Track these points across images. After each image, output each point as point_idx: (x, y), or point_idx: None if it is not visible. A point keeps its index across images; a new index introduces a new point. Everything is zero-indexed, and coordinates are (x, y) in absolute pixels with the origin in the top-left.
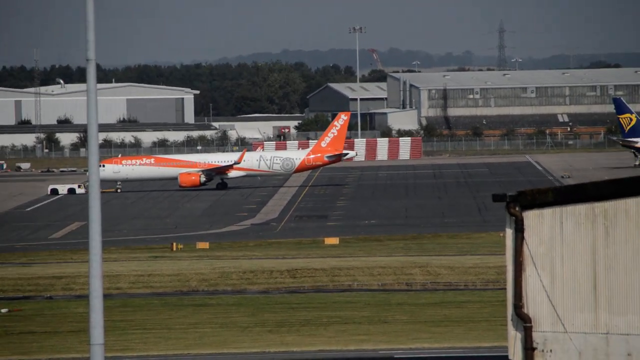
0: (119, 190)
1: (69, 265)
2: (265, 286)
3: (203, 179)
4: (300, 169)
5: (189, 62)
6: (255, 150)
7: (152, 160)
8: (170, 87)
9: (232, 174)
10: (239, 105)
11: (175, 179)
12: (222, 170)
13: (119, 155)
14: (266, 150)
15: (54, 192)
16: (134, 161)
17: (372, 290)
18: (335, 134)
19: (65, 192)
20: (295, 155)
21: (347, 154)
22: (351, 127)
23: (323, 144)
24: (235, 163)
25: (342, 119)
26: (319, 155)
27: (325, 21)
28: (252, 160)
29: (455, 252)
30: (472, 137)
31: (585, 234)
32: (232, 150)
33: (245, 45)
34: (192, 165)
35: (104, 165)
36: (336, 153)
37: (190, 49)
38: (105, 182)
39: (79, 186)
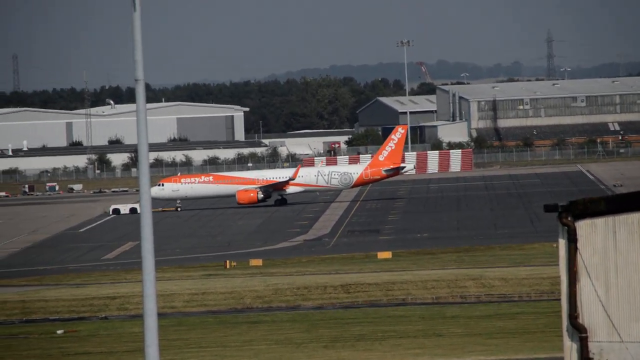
0: (179, 209)
1: (122, 285)
2: (319, 302)
3: (260, 195)
4: (358, 184)
5: (238, 79)
6: (320, 164)
7: (211, 178)
8: (220, 105)
9: (290, 189)
10: (289, 122)
11: (233, 196)
12: (279, 186)
13: (178, 174)
14: (326, 165)
15: (116, 211)
16: (192, 179)
17: (426, 303)
18: (393, 148)
19: (127, 211)
20: (353, 169)
21: (404, 167)
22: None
23: (381, 158)
24: (290, 179)
25: (400, 132)
26: (377, 169)
27: (373, 35)
28: (310, 176)
29: (509, 264)
30: (523, 147)
31: (639, 243)
32: (283, 167)
33: (294, 61)
34: (250, 182)
35: (163, 185)
36: (394, 167)
37: (239, 67)
38: (165, 201)
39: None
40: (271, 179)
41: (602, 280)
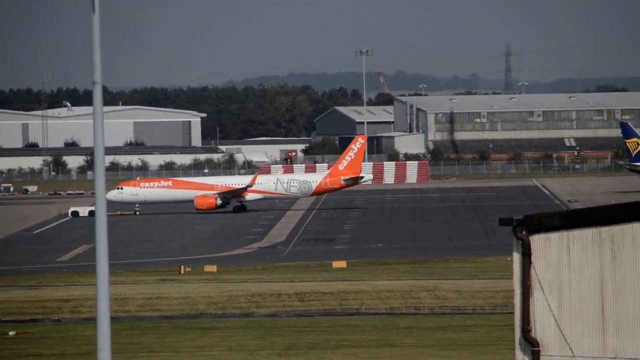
0: (137, 213)
1: (76, 288)
2: (273, 309)
3: (219, 201)
4: (317, 192)
5: (196, 85)
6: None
7: (170, 182)
8: (177, 110)
9: (249, 196)
10: (246, 129)
11: (192, 201)
12: (238, 193)
13: (138, 178)
14: (285, 173)
15: (75, 214)
16: (152, 184)
17: (379, 313)
18: (353, 157)
19: (86, 214)
20: (312, 178)
21: (363, 177)
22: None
23: (340, 167)
24: (248, 186)
25: (360, 142)
26: (336, 178)
27: (332, 44)
28: (269, 183)
29: (463, 276)
30: (479, 160)
31: (592, 259)
32: (239, 174)
33: (252, 68)
34: (209, 187)
35: (122, 188)
36: (353, 176)
37: (197, 72)
38: (123, 205)
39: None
40: (230, 185)
41: (556, 294)
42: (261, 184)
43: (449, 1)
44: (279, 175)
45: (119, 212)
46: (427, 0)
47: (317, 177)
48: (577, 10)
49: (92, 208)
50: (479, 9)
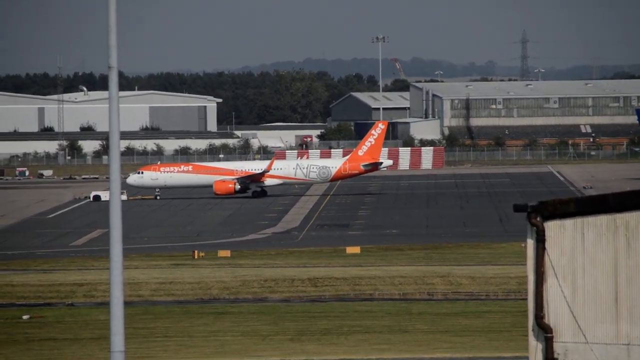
0: (157, 197)
1: (90, 273)
2: (287, 295)
3: (238, 187)
4: (336, 177)
5: (212, 70)
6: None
7: (190, 167)
8: (193, 95)
9: (269, 182)
10: (262, 114)
11: (212, 186)
12: (256, 178)
13: (158, 163)
14: (307, 158)
15: (97, 198)
16: (172, 168)
17: (393, 299)
18: (373, 143)
19: (108, 198)
20: (332, 163)
21: (382, 162)
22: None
23: (360, 153)
24: (265, 171)
25: (380, 127)
26: (356, 163)
27: (348, 30)
28: (289, 169)
29: (477, 262)
30: (495, 147)
31: (606, 245)
32: (255, 159)
33: (268, 53)
34: (229, 173)
35: (142, 173)
36: (373, 162)
37: (213, 57)
38: (143, 189)
39: (122, 193)
40: (249, 171)
41: (569, 281)
42: (281, 169)
43: None
44: (298, 160)
45: (139, 197)
46: None
47: (337, 163)
48: None
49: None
50: None
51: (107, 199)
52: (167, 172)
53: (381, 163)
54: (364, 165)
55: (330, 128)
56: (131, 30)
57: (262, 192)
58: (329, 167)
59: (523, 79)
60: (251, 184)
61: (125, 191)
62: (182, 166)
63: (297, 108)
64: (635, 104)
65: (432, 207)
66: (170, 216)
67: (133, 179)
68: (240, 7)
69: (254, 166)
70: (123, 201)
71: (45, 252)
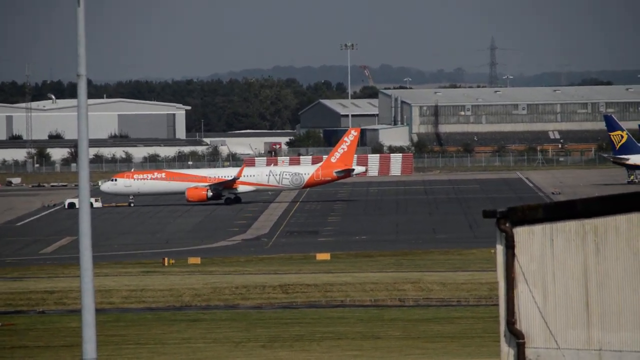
0: (131, 205)
1: (60, 280)
2: (258, 301)
3: (210, 194)
4: (309, 184)
5: (180, 78)
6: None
7: (164, 174)
8: (162, 103)
9: (241, 188)
10: (230, 121)
11: (185, 193)
12: (228, 184)
13: (132, 170)
14: (277, 165)
15: (72, 206)
16: (145, 175)
17: (364, 305)
18: (345, 150)
19: None
20: (304, 170)
21: (354, 169)
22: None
23: (333, 159)
24: (236, 178)
25: (352, 134)
26: (329, 170)
27: (317, 38)
28: (262, 175)
29: (447, 268)
30: (463, 153)
31: (575, 251)
32: (223, 166)
33: (237, 61)
34: (202, 179)
35: (115, 180)
36: (345, 168)
37: (181, 65)
38: (117, 197)
39: (96, 200)
40: (223, 178)
41: (540, 286)
42: (253, 176)
43: None
44: (271, 167)
45: (114, 204)
46: None
47: (310, 170)
48: (561, 5)
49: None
50: (464, 2)
51: (97, 204)
52: (140, 179)
53: (353, 170)
54: (336, 172)
55: (299, 135)
56: (100, 38)
57: (236, 199)
58: (301, 174)
59: (492, 86)
60: (223, 191)
61: (99, 198)
62: (156, 173)
63: (265, 115)
64: (603, 110)
65: (402, 213)
66: (140, 223)
67: (107, 186)
68: (208, 15)
69: (227, 173)
70: (97, 208)
71: (15, 259)
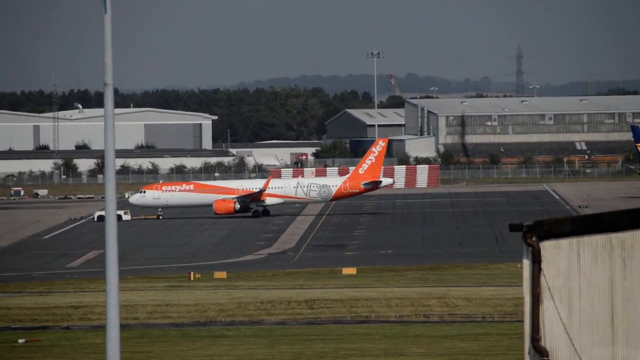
0: (160, 217)
1: (86, 295)
2: (283, 317)
3: (237, 206)
4: (337, 196)
5: (207, 87)
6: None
7: (192, 186)
8: (188, 113)
9: (269, 200)
10: (257, 131)
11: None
12: (255, 197)
13: (160, 181)
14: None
15: (101, 218)
16: (173, 187)
17: (389, 322)
18: (373, 161)
19: None
20: (332, 182)
21: (381, 181)
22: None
23: (360, 171)
24: (262, 190)
25: (380, 145)
26: (356, 182)
27: (343, 47)
28: (290, 187)
29: (473, 283)
30: (490, 164)
31: (602, 266)
32: (249, 178)
33: (263, 70)
34: (230, 192)
35: (144, 192)
36: (373, 180)
37: (208, 74)
38: (146, 209)
39: (125, 213)
40: (251, 190)
41: (566, 302)
42: (281, 187)
43: (460, 4)
44: (299, 179)
45: (143, 216)
46: (439, 2)
47: (337, 182)
48: (588, 13)
49: (118, 212)
50: (490, 11)
51: (127, 217)
52: (169, 191)
53: (381, 182)
54: (364, 184)
55: (326, 146)
56: (126, 47)
57: (265, 212)
58: (329, 186)
59: (518, 95)
60: (251, 203)
61: (128, 211)
62: (184, 185)
63: (292, 125)
64: (630, 120)
65: (428, 226)
66: (166, 236)
67: (135, 198)
68: (235, 23)
69: (255, 185)
70: (126, 221)
71: (42, 274)
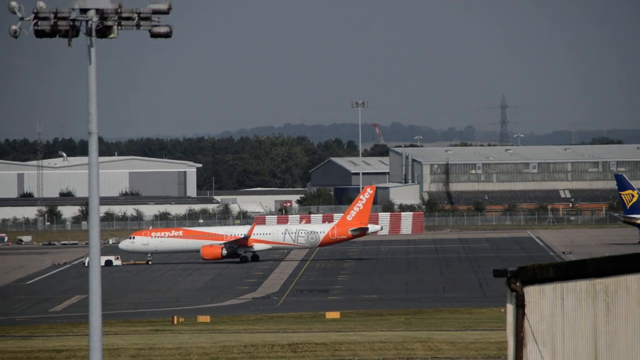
0: (149, 262)
1: (69, 339)
2: None
3: (225, 251)
4: (325, 243)
5: (192, 135)
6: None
7: (181, 232)
8: (173, 161)
9: (257, 246)
10: (241, 179)
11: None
12: (241, 242)
13: (150, 227)
14: (292, 223)
15: (109, 263)
16: (162, 233)
17: None
18: (361, 208)
19: (103, 263)
20: (320, 228)
21: (368, 228)
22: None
23: (348, 218)
24: (247, 237)
25: (368, 192)
26: (344, 229)
27: (328, 96)
28: (278, 234)
29: (457, 327)
30: (474, 212)
31: (586, 311)
32: (234, 224)
33: (248, 119)
34: (219, 238)
35: (133, 237)
36: (361, 227)
37: (193, 123)
38: (135, 254)
39: (116, 258)
40: (239, 235)
41: (549, 346)
42: (269, 234)
43: (445, 54)
44: (287, 225)
45: (132, 262)
46: (423, 52)
47: (325, 228)
48: (572, 64)
49: (108, 257)
50: (474, 61)
51: (102, 264)
52: (158, 237)
53: (368, 228)
54: (352, 231)
55: (310, 193)
56: (111, 96)
57: (254, 257)
58: (317, 232)
59: (502, 144)
60: (239, 249)
61: (119, 256)
62: (173, 231)
63: (276, 173)
64: (614, 169)
65: (412, 272)
66: (151, 281)
67: (125, 244)
68: (220, 73)
69: (244, 231)
70: (117, 266)
71: (25, 318)
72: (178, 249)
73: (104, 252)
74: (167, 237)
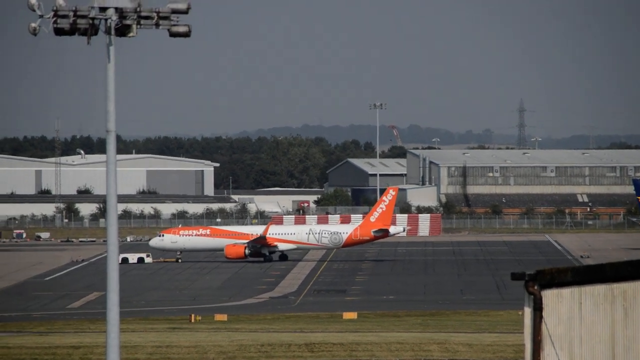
0: (179, 260)
1: (86, 335)
2: None
3: (247, 251)
4: (348, 244)
5: (210, 134)
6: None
7: (208, 231)
8: (191, 160)
9: (282, 246)
10: (259, 179)
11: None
12: (259, 242)
13: (179, 226)
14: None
15: (124, 261)
16: (190, 232)
17: None
18: (384, 209)
19: (135, 261)
20: (343, 229)
21: (389, 230)
22: (370, 202)
23: (372, 219)
24: (262, 236)
25: (391, 193)
26: (367, 230)
27: (346, 97)
28: (302, 234)
29: (474, 330)
30: (492, 215)
31: (604, 315)
32: (252, 224)
33: (266, 119)
34: (245, 237)
35: (163, 235)
36: (383, 228)
37: (211, 122)
38: (164, 252)
39: (148, 255)
40: (269, 235)
41: (566, 350)
42: (293, 234)
43: (464, 56)
44: (311, 226)
45: (162, 259)
46: (442, 55)
47: (348, 229)
48: (591, 68)
49: (141, 255)
50: (493, 64)
51: (134, 261)
52: (186, 235)
53: (391, 230)
54: (374, 232)
55: (327, 194)
56: (130, 94)
57: (283, 256)
58: (340, 233)
59: (520, 148)
60: (262, 249)
61: (150, 254)
62: (201, 229)
63: (294, 173)
64: (632, 174)
65: (430, 274)
66: (169, 279)
67: (155, 241)
68: (238, 72)
69: (274, 230)
70: (147, 264)
71: (42, 314)
72: (205, 248)
73: (130, 249)
74: (195, 235)
